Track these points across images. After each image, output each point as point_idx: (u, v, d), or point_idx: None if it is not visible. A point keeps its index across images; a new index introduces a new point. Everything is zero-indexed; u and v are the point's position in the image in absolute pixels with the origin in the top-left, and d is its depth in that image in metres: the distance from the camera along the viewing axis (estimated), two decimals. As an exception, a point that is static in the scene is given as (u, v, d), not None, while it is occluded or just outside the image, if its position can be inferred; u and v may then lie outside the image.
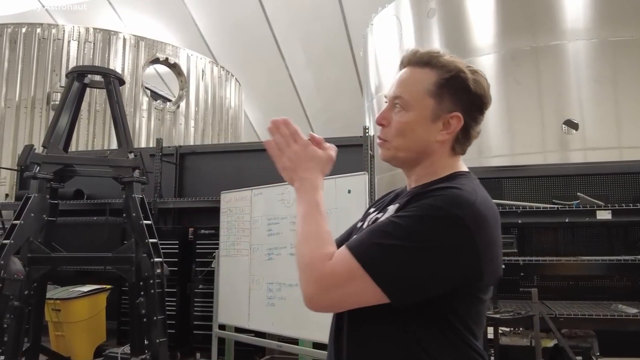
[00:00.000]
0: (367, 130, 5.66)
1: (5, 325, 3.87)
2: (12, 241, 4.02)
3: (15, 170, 7.67)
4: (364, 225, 1.35)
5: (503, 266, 1.21)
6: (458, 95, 1.23)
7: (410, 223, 1.09)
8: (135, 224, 4.33)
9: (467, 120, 1.24)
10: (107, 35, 9.07)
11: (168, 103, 10.16)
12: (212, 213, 5.68)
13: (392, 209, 1.23)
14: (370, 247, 1.09)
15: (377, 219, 1.28)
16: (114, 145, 8.26)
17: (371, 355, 1.15)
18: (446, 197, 1.12)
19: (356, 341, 1.18)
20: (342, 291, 1.08)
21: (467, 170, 1.30)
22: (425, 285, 1.08)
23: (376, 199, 1.57)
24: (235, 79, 11.50)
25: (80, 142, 8.39)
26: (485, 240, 1.10)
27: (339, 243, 1.19)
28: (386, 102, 1.31)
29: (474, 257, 1.09)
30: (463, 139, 1.27)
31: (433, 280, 1.08)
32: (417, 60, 1.27)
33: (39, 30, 8.73)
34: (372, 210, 1.42)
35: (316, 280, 1.10)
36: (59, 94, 8.22)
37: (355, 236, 1.20)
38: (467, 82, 1.23)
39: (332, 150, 1.31)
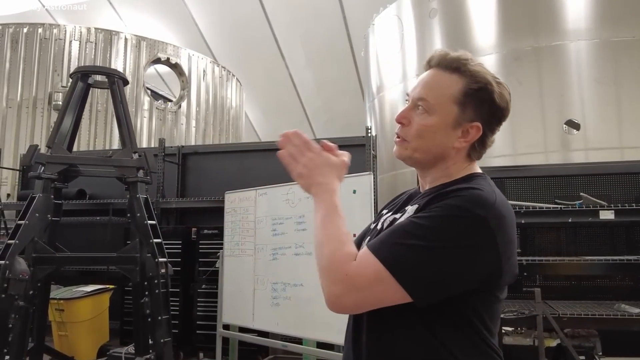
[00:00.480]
0: (369, 131, 5.67)
1: (10, 325, 3.88)
2: (17, 241, 4.03)
3: (17, 170, 7.67)
4: (379, 227, 1.36)
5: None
6: (482, 106, 1.25)
7: (433, 223, 1.10)
8: (139, 224, 4.34)
9: (485, 130, 1.26)
10: (109, 35, 9.08)
11: (169, 103, 10.17)
12: (215, 213, 5.69)
13: (411, 209, 1.24)
14: (393, 248, 1.10)
15: (394, 219, 1.29)
16: (115, 145, 8.28)
17: (393, 355, 1.16)
18: (468, 198, 1.13)
19: (377, 342, 1.18)
20: (366, 292, 1.09)
21: (481, 172, 1.31)
22: (448, 285, 1.09)
23: (378, 199, 1.60)
24: (236, 78, 11.51)
25: (82, 142, 8.39)
26: (505, 239, 1.13)
27: (355, 245, 1.20)
28: (407, 100, 1.31)
29: (495, 256, 1.11)
30: (479, 147, 1.30)
31: (456, 280, 1.09)
32: (447, 64, 1.27)
33: (40, 30, 8.74)
34: (385, 211, 1.43)
35: (342, 280, 1.10)
36: (60, 94, 8.24)
37: (376, 237, 1.20)
38: (493, 95, 1.24)
39: (345, 156, 1.32)
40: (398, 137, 1.30)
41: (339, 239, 1.15)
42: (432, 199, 1.19)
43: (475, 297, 1.14)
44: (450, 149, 1.26)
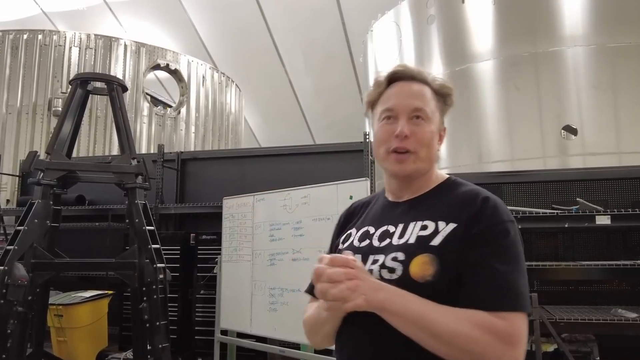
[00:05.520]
0: (367, 136, 5.70)
1: (9, 331, 3.89)
2: (16, 247, 4.03)
3: (16, 176, 7.69)
4: (356, 243, 1.35)
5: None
6: (446, 112, 1.37)
7: (514, 247, 1.19)
8: (138, 230, 4.35)
9: None
10: (108, 42, 9.12)
11: (169, 109, 10.20)
12: (214, 219, 5.71)
13: (446, 227, 1.22)
14: (515, 290, 1.14)
15: (386, 231, 1.31)
16: (115, 151, 8.30)
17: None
18: (502, 208, 1.24)
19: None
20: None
21: None
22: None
23: (346, 209, 1.56)
24: (236, 84, 11.54)
25: (82, 148, 8.42)
26: None
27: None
28: (389, 116, 1.31)
29: None
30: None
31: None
32: (419, 77, 1.33)
33: (40, 36, 8.78)
34: (366, 228, 1.38)
35: (510, 343, 1.10)
36: (60, 100, 8.27)
37: (476, 282, 1.16)
38: (452, 102, 1.37)
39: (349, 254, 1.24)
40: (398, 152, 1.29)
41: (461, 318, 1.11)
42: (460, 212, 1.23)
43: None
44: (435, 155, 1.34)
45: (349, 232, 1.42)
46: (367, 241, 1.33)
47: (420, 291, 1.14)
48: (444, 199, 1.30)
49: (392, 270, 1.21)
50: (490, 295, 1.12)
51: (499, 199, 1.25)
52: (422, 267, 1.18)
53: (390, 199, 1.40)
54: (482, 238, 1.17)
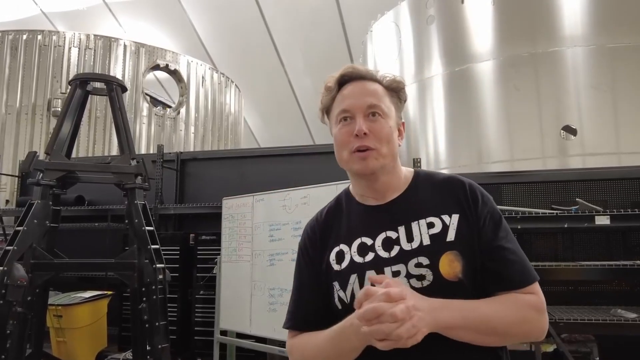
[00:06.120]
0: (367, 137, 5.69)
1: (8, 331, 3.88)
2: (16, 247, 4.03)
3: (16, 176, 7.69)
4: (357, 259, 1.28)
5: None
6: (401, 105, 1.36)
7: (507, 227, 1.29)
8: (137, 230, 4.35)
9: None
10: (108, 42, 9.13)
11: (168, 109, 10.20)
12: (213, 219, 5.70)
13: (449, 218, 1.26)
14: (524, 263, 1.25)
15: (389, 238, 1.26)
16: (114, 151, 8.30)
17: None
18: (481, 189, 1.32)
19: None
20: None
21: None
22: None
23: (317, 221, 1.46)
24: (235, 85, 11.54)
25: (81, 148, 8.42)
26: None
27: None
28: (346, 117, 1.29)
29: None
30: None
31: None
32: (368, 75, 1.32)
33: (39, 37, 8.79)
34: (341, 247, 1.32)
35: (543, 311, 1.22)
36: (59, 100, 8.27)
37: (507, 259, 1.24)
38: (406, 96, 1.38)
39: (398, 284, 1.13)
40: (361, 150, 1.25)
41: (508, 309, 1.18)
42: (451, 202, 1.28)
43: None
44: (397, 150, 1.32)
45: (337, 249, 1.32)
46: (371, 254, 1.25)
47: (455, 290, 1.16)
48: (429, 192, 1.31)
49: (421, 277, 1.18)
50: (514, 275, 1.20)
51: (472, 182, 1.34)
52: (451, 265, 1.18)
53: (367, 203, 1.34)
54: (485, 222, 1.24)
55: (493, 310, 1.15)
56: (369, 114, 1.27)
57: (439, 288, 1.15)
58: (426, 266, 1.18)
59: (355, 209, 1.36)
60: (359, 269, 1.25)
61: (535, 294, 1.20)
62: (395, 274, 1.20)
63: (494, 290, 1.20)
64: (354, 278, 1.25)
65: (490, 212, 1.25)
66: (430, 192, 1.30)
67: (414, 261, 1.20)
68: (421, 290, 1.14)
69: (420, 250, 1.21)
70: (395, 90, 1.34)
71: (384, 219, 1.29)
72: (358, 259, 1.26)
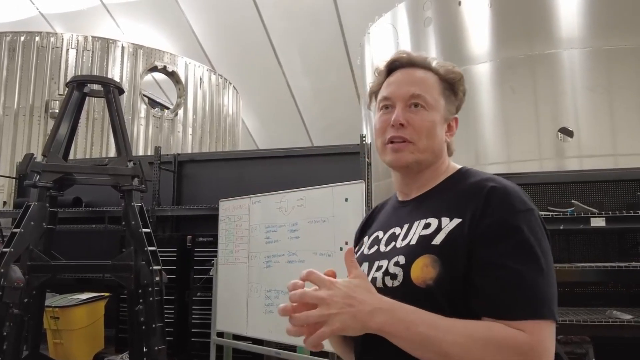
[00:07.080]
0: (364, 139, 5.71)
1: (4, 333, 3.89)
2: (12, 249, 4.04)
3: (13, 178, 7.69)
4: (366, 251, 1.26)
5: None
6: (456, 99, 1.27)
7: (532, 243, 1.05)
8: (134, 232, 4.36)
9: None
10: (106, 44, 9.13)
11: (166, 111, 10.21)
12: (211, 221, 5.71)
13: (450, 223, 1.10)
14: (533, 288, 1.00)
15: (393, 234, 1.22)
16: (112, 153, 8.31)
17: None
18: (514, 196, 1.10)
19: None
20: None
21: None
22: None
23: (372, 206, 1.46)
24: (233, 86, 11.55)
25: (79, 150, 8.42)
26: None
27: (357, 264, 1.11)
28: (387, 105, 1.23)
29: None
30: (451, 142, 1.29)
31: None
32: (420, 63, 1.25)
33: (37, 38, 8.78)
34: (376, 233, 1.29)
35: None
36: (57, 102, 8.27)
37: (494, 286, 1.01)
38: (464, 89, 1.27)
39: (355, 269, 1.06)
40: (394, 141, 1.19)
41: (473, 336, 0.96)
42: (465, 203, 1.11)
43: None
44: (444, 146, 1.25)
45: (362, 240, 1.33)
46: (376, 247, 1.24)
47: (423, 297, 1.03)
48: (451, 192, 1.17)
49: (394, 276, 1.11)
50: (505, 301, 0.98)
51: (512, 186, 1.11)
52: (423, 270, 1.06)
53: (399, 198, 1.30)
54: (493, 234, 1.03)
55: (449, 331, 0.96)
56: (411, 104, 1.19)
57: (406, 291, 1.06)
58: (401, 266, 1.11)
59: (390, 204, 1.36)
60: (362, 260, 1.24)
61: (526, 333, 0.96)
62: (379, 268, 1.16)
63: (479, 312, 1.01)
64: (364, 266, 1.23)
65: (498, 222, 1.04)
66: (453, 193, 1.17)
67: (395, 259, 1.13)
68: (390, 290, 1.08)
69: (404, 249, 1.14)
70: (450, 81, 1.24)
71: (400, 215, 1.25)
72: (367, 250, 1.26)
